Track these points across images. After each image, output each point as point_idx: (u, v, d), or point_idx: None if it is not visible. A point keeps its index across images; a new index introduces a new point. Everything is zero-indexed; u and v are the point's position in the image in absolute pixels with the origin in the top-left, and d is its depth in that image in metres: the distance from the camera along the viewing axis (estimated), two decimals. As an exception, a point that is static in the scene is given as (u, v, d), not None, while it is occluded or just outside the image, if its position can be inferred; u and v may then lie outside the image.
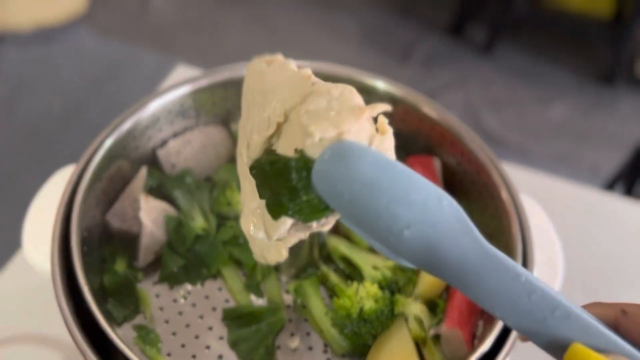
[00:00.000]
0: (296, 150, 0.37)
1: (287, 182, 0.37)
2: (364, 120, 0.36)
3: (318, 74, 0.54)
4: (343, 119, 0.36)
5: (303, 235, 0.39)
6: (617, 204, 0.85)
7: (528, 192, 0.63)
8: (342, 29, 2.33)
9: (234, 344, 0.55)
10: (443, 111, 0.64)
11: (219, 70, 0.66)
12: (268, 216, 0.39)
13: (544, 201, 0.63)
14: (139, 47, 2.12)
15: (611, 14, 2.17)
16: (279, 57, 0.49)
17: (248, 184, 0.44)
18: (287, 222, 0.38)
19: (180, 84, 0.64)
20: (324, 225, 0.39)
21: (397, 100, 0.66)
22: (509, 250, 0.56)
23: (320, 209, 0.37)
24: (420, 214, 0.34)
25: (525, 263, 0.54)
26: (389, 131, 0.38)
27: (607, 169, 1.86)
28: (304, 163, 0.37)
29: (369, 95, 0.67)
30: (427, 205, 0.34)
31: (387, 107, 0.38)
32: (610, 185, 1.48)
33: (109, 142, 0.58)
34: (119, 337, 0.46)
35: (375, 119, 0.38)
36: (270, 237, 0.39)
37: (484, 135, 1.96)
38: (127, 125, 0.60)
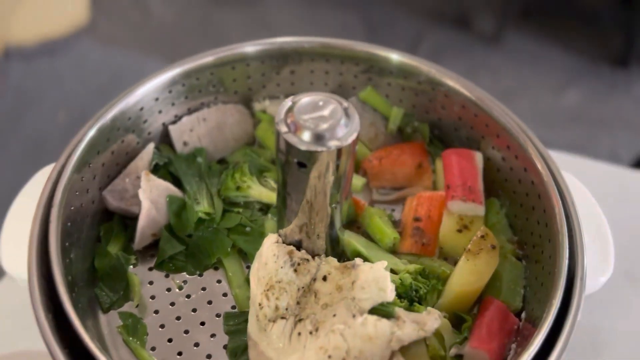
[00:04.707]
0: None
1: None
2: None
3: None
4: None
5: None
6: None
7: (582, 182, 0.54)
8: (347, 26, 2.26)
9: (233, 354, 0.49)
10: (488, 97, 0.56)
11: (240, 44, 0.60)
12: None
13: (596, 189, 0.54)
14: (143, 55, 2.10)
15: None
16: None
17: None
18: None
19: (197, 57, 0.59)
20: None
21: (436, 83, 0.58)
22: (553, 261, 0.47)
23: None
24: None
25: (571, 279, 0.45)
26: None
27: (627, 153, 1.73)
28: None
29: (407, 76, 0.60)
30: None
31: None
32: (636, 165, 1.35)
33: (110, 114, 0.54)
34: (97, 347, 0.42)
35: None
36: None
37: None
38: (133, 99, 0.56)
